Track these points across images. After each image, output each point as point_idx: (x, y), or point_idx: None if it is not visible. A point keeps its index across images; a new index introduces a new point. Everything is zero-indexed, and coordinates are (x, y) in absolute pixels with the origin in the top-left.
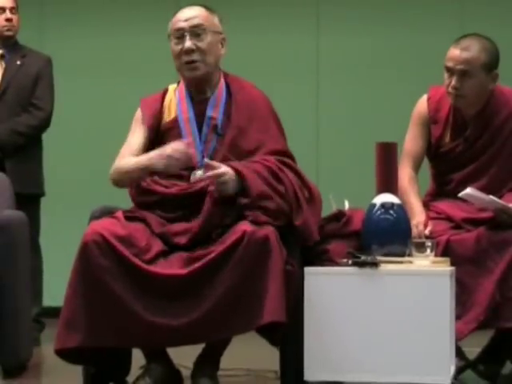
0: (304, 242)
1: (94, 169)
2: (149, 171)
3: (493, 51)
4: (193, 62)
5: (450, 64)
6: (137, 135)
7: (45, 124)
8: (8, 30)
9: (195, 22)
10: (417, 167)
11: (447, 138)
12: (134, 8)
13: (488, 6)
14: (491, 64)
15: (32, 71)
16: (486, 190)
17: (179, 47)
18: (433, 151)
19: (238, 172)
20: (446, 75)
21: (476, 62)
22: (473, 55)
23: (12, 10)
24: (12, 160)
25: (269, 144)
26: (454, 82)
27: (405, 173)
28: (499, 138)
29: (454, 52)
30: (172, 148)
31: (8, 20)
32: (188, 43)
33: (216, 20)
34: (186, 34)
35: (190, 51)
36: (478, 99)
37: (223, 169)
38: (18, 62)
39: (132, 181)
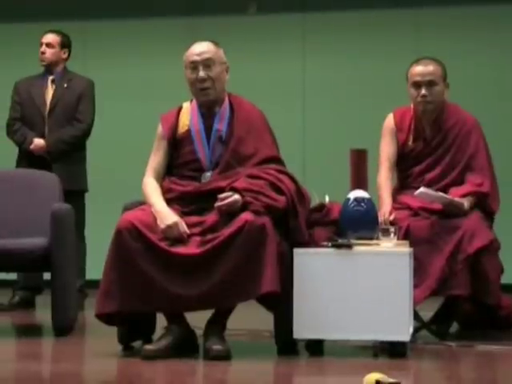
0: (296, 241)
1: (127, 170)
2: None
3: (443, 66)
4: (206, 88)
5: (417, 78)
6: (159, 153)
7: (85, 134)
8: (41, 61)
9: (206, 56)
10: (392, 167)
11: (410, 142)
12: (158, 43)
13: (439, 40)
14: (445, 75)
15: (76, 91)
16: (439, 177)
17: (194, 76)
18: (399, 153)
19: (243, 197)
20: (412, 90)
21: (437, 72)
22: (434, 68)
23: (48, 45)
24: (59, 162)
25: (263, 151)
26: (423, 92)
27: (382, 172)
28: (449, 137)
29: (419, 68)
30: (178, 225)
31: (42, 53)
32: (201, 73)
33: (221, 53)
34: (199, 65)
35: (202, 80)
36: (440, 103)
37: (233, 198)
38: (65, 85)
39: None
